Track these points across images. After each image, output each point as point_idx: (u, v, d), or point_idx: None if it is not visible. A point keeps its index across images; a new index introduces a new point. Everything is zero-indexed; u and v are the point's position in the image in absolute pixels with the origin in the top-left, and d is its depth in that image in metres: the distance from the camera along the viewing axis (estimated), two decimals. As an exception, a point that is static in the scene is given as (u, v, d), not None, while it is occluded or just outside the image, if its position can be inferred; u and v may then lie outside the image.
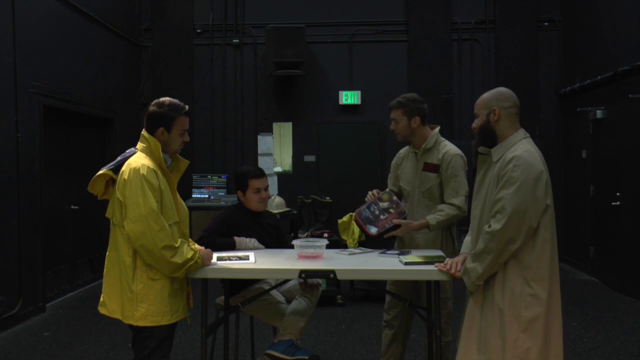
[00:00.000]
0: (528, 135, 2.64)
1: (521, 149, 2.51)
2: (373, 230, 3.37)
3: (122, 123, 7.62)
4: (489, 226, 2.47)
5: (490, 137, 2.64)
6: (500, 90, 2.68)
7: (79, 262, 6.77)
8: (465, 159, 3.46)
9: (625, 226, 6.24)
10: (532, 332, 2.43)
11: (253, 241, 3.43)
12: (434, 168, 3.41)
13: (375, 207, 3.38)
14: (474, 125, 2.70)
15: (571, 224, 7.74)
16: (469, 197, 3.07)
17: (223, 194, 7.66)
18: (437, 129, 3.54)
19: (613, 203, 6.40)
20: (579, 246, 7.51)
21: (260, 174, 3.53)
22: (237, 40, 8.42)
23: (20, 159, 5.37)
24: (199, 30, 8.44)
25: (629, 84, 6.16)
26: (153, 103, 2.77)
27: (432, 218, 3.30)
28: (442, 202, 3.41)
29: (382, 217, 3.34)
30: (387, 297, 3.60)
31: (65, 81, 6.22)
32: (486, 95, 2.69)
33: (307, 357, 3.15)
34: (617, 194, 6.38)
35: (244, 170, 3.56)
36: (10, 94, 5.27)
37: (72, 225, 6.61)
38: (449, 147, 3.45)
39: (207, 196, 7.59)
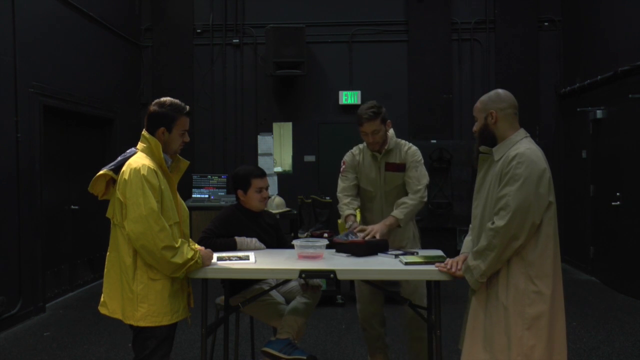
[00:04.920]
0: (528, 134, 2.65)
1: (524, 147, 2.53)
2: (342, 238, 3.38)
3: (122, 123, 7.62)
4: (492, 223, 2.47)
5: (490, 139, 2.66)
6: (497, 92, 2.69)
7: (79, 262, 6.77)
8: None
9: (625, 226, 6.25)
10: (537, 330, 2.44)
11: (254, 241, 3.42)
12: (399, 167, 3.53)
13: (349, 233, 3.42)
14: (474, 128, 2.73)
15: (571, 224, 7.74)
16: (470, 198, 3.08)
17: (223, 194, 7.66)
18: (391, 129, 3.62)
19: (613, 203, 6.40)
20: (579, 246, 7.51)
21: (262, 173, 3.55)
22: (237, 40, 8.42)
23: (20, 159, 5.37)
24: (199, 30, 8.44)
25: (629, 84, 6.16)
26: (154, 103, 2.76)
27: (399, 213, 3.40)
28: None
29: (353, 237, 3.36)
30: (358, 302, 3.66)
31: (65, 81, 6.22)
32: (483, 98, 2.71)
33: (304, 357, 3.13)
34: (617, 194, 6.37)
35: (246, 170, 3.55)
36: (10, 94, 5.27)
37: (72, 225, 6.61)
38: (409, 145, 3.60)
39: (207, 196, 7.59)
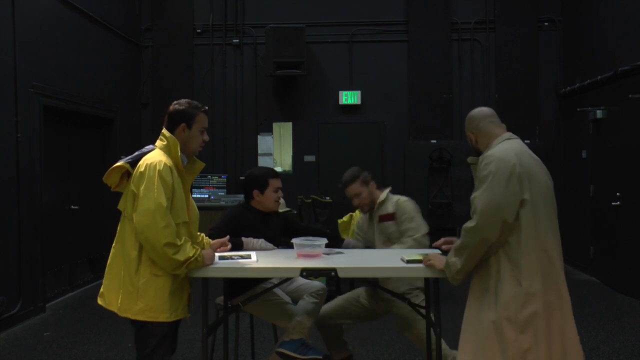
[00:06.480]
0: (515, 136, 2.66)
1: (495, 149, 2.57)
2: None
3: (122, 123, 7.61)
4: (467, 224, 2.52)
5: (481, 154, 2.72)
6: (467, 117, 2.83)
7: (79, 262, 6.77)
8: (415, 203, 3.68)
9: (625, 226, 6.25)
10: (532, 331, 2.39)
11: (261, 242, 3.40)
12: (389, 216, 3.62)
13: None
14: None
15: (571, 224, 7.74)
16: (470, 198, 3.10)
17: (223, 194, 7.67)
18: (389, 189, 3.74)
19: (613, 203, 6.40)
20: (579, 246, 7.51)
21: (277, 174, 3.63)
22: (237, 40, 8.42)
23: (20, 159, 5.37)
24: (199, 30, 8.45)
25: (629, 84, 6.16)
26: (173, 103, 2.86)
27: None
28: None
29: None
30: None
31: (65, 81, 6.22)
32: (465, 122, 2.86)
33: (320, 357, 3.13)
34: (617, 194, 6.38)
35: (262, 171, 3.62)
36: (10, 94, 5.27)
37: (72, 225, 6.61)
38: (400, 196, 3.69)
39: (207, 196, 7.59)
